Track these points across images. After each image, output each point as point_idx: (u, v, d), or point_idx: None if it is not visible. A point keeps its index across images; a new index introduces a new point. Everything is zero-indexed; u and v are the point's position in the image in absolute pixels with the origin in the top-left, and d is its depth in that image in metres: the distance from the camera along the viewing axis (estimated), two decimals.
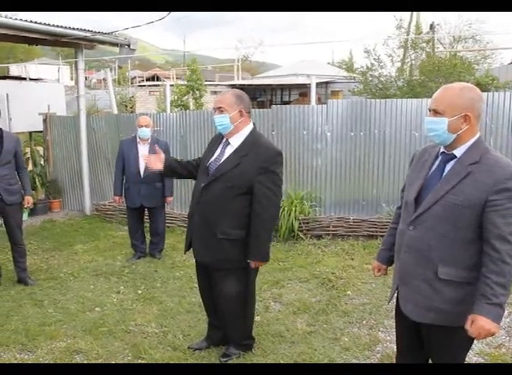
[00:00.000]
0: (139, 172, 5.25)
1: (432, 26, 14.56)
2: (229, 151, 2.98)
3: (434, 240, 2.00)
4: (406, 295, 2.14)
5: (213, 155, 3.04)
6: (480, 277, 1.91)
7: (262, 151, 2.92)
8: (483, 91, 8.48)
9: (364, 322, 3.79)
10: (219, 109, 2.93)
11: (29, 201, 4.61)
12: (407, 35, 12.99)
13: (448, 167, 2.02)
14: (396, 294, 2.25)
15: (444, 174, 2.02)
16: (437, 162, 2.08)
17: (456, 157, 2.01)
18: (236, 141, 2.98)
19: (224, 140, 3.04)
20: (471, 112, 1.95)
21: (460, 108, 1.94)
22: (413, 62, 12.86)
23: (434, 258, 2.00)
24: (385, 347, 3.41)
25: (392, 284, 2.28)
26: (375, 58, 11.93)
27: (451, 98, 1.96)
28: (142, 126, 5.22)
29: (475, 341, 3.38)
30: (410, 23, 13.77)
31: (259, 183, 2.87)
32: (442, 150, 2.08)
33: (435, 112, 1.99)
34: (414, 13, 15.02)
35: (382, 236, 5.77)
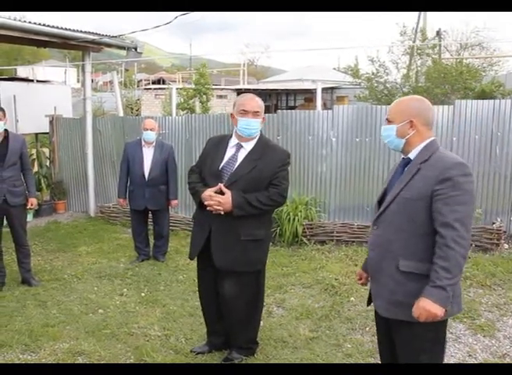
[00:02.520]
0: (143, 174, 5.27)
1: (438, 33, 14.57)
2: (242, 154, 3.00)
3: (393, 234, 2.13)
4: (375, 292, 2.25)
5: (223, 158, 3.02)
6: None
7: (275, 153, 3.03)
8: (489, 98, 8.47)
9: (367, 328, 3.77)
10: (256, 113, 2.96)
11: (33, 202, 4.62)
12: (413, 42, 12.98)
13: (405, 170, 2.20)
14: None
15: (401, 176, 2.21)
16: (398, 168, 2.28)
17: (411, 160, 2.19)
18: (248, 145, 3.01)
19: (235, 143, 3.04)
20: (416, 119, 2.15)
21: (406, 115, 2.16)
22: (419, 68, 12.85)
23: (395, 251, 2.12)
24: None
25: (370, 285, 2.37)
26: (380, 65, 11.94)
27: (399, 108, 2.22)
28: (147, 130, 5.24)
29: (479, 350, 3.38)
30: (416, 30, 13.76)
31: (274, 179, 2.97)
32: (402, 156, 2.27)
33: (388, 121, 2.24)
34: (420, 19, 15.02)
35: None
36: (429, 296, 1.95)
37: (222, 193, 2.91)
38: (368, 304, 2.44)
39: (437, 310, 1.94)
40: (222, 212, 2.89)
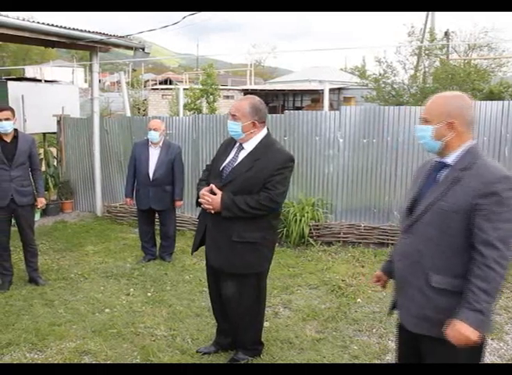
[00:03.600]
0: (148, 174, 5.28)
1: (446, 34, 14.48)
2: (242, 155, 2.99)
3: (424, 246, 1.99)
4: (401, 304, 2.13)
5: (226, 158, 3.04)
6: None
7: (275, 155, 2.95)
8: (497, 99, 8.40)
9: (374, 330, 3.75)
10: (233, 116, 2.95)
11: (41, 202, 4.65)
12: (421, 43, 12.92)
13: (441, 175, 2.03)
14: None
15: (436, 182, 2.03)
16: (431, 172, 2.10)
17: (448, 165, 2.01)
18: (249, 146, 2.99)
19: (238, 144, 3.05)
20: (457, 120, 1.96)
21: (445, 115, 1.97)
22: (426, 69, 12.79)
23: (425, 265, 1.98)
24: (394, 356, 3.36)
25: (393, 294, 2.27)
26: (388, 65, 11.90)
27: (437, 106, 2.01)
28: (151, 129, 5.25)
29: (487, 353, 3.35)
30: (424, 31, 13.68)
31: (269, 182, 2.91)
32: (436, 159, 2.09)
33: (424, 120, 2.05)
34: (428, 20, 14.95)
35: (393, 244, 5.72)
36: (465, 319, 1.81)
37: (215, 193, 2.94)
38: (390, 313, 2.34)
39: (474, 335, 1.80)
40: (212, 211, 2.92)
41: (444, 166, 2.02)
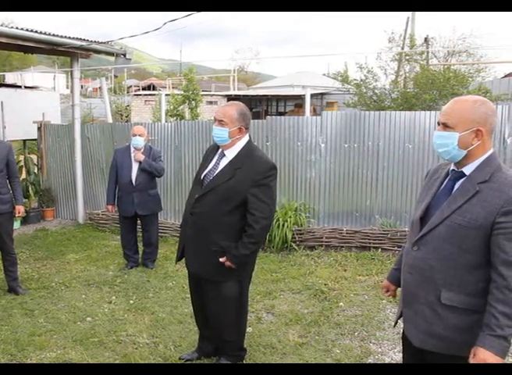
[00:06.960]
0: (131, 180, 5.25)
1: (426, 40, 14.74)
2: (223, 163, 2.97)
3: (437, 262, 1.88)
4: (408, 318, 2.04)
5: (207, 166, 3.03)
6: (486, 306, 1.78)
7: (256, 164, 2.90)
8: None
9: (356, 333, 3.78)
10: (220, 122, 2.91)
11: (20, 210, 4.58)
12: (402, 49, 13.12)
13: (457, 185, 1.91)
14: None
15: (452, 193, 1.91)
16: (446, 181, 1.98)
17: (466, 175, 1.89)
18: (231, 153, 2.96)
19: (220, 151, 3.02)
20: (484, 127, 1.83)
21: (472, 122, 1.82)
22: (407, 74, 12.99)
23: (437, 281, 1.88)
24: (376, 359, 3.40)
25: (399, 306, 2.19)
26: (369, 71, 12.05)
27: (463, 112, 1.85)
28: (136, 135, 5.24)
29: None
30: (404, 37, 13.90)
31: (252, 195, 2.85)
32: (452, 167, 1.96)
33: (445, 126, 1.88)
34: (408, 26, 15.20)
35: (374, 247, 5.79)
36: (490, 347, 1.70)
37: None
38: (395, 324, 2.29)
39: (499, 362, 1.70)
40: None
41: (461, 175, 1.91)
